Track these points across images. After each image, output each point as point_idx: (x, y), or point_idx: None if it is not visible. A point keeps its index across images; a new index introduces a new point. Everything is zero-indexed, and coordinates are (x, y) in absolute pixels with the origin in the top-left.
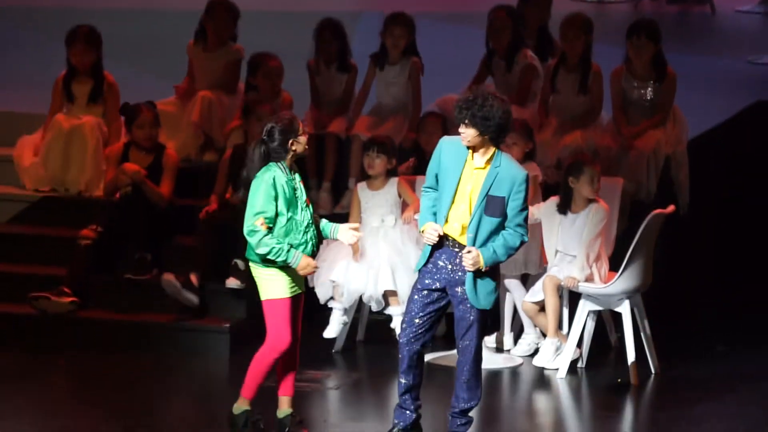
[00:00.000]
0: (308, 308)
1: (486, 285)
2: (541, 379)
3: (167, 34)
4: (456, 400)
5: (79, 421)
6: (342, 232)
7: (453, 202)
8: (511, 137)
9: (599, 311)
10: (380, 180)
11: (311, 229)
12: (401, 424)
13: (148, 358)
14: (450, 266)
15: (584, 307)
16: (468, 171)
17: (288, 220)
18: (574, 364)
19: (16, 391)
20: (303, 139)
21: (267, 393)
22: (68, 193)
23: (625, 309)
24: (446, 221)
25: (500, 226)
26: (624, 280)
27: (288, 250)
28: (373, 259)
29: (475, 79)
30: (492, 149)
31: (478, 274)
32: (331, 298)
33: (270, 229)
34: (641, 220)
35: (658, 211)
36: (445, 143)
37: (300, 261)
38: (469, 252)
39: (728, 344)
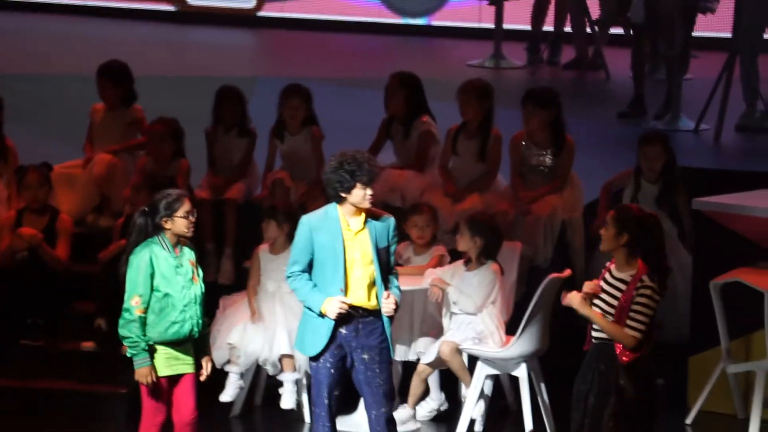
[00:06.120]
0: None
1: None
2: None
3: (69, 98)
4: None
5: None
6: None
7: (346, 272)
8: (422, 219)
9: (497, 375)
10: (281, 245)
11: (193, 307)
12: None
13: (42, 425)
14: (355, 334)
15: (481, 371)
16: (349, 238)
17: (164, 296)
18: (471, 427)
19: None
20: (181, 221)
21: None
22: None
23: (522, 373)
24: (346, 292)
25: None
26: (521, 344)
27: (139, 353)
28: (269, 323)
29: (374, 143)
30: (361, 211)
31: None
32: (228, 361)
33: (145, 310)
34: (538, 285)
35: (554, 275)
36: (312, 222)
37: (141, 368)
38: (387, 298)
39: None
